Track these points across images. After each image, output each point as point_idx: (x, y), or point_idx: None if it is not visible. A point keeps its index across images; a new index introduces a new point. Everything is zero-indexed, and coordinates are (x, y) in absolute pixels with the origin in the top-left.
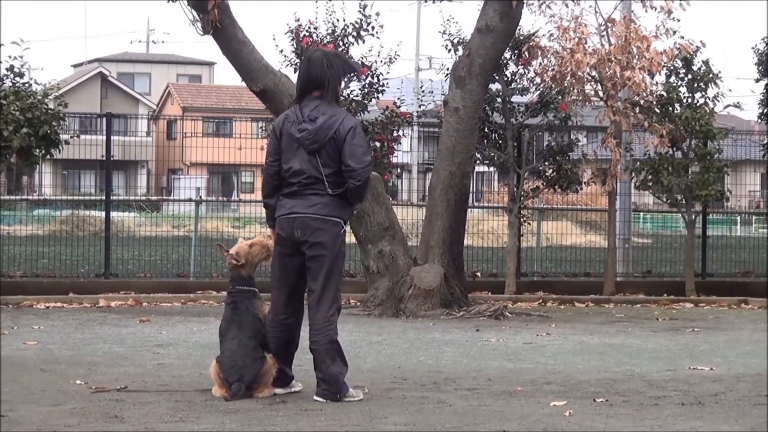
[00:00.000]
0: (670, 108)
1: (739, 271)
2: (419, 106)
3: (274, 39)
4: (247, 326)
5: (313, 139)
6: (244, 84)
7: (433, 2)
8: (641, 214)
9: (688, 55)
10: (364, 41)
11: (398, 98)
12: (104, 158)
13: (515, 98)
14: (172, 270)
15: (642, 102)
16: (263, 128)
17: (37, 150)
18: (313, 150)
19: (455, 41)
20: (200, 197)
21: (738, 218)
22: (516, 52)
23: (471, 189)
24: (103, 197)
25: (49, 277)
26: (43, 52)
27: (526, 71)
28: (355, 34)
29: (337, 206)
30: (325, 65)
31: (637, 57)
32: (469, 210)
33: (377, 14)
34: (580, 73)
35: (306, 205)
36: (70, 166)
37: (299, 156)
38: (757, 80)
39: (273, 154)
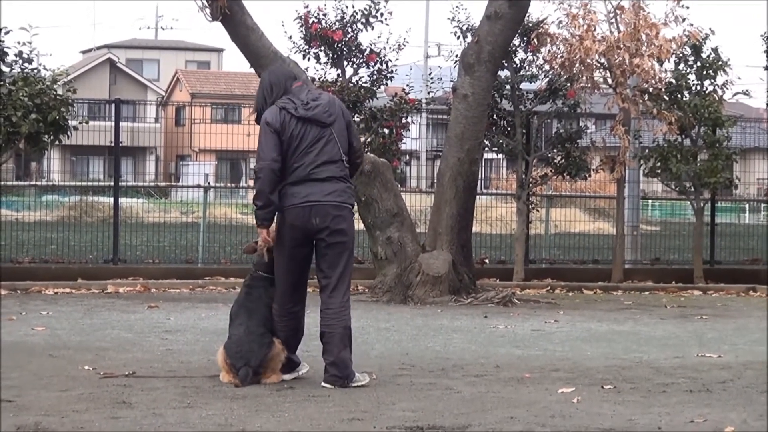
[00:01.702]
0: (679, 95)
1: (748, 258)
2: (428, 93)
3: (282, 25)
4: (257, 314)
5: (330, 111)
6: (252, 70)
7: None
8: (650, 201)
9: (697, 43)
10: (372, 28)
11: (407, 85)
12: (113, 144)
13: (524, 85)
14: (181, 256)
15: (651, 89)
16: None
17: (46, 136)
18: (331, 122)
19: (464, 28)
20: (208, 183)
21: (746, 206)
22: (525, 38)
23: (479, 176)
24: (112, 183)
25: (57, 263)
26: (51, 38)
27: (535, 58)
28: (363, 20)
29: (349, 193)
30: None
31: (646, 44)
32: (477, 197)
33: (386, 0)
34: (589, 60)
35: (323, 192)
36: (79, 152)
37: (310, 138)
38: (766, 68)
39: (276, 150)
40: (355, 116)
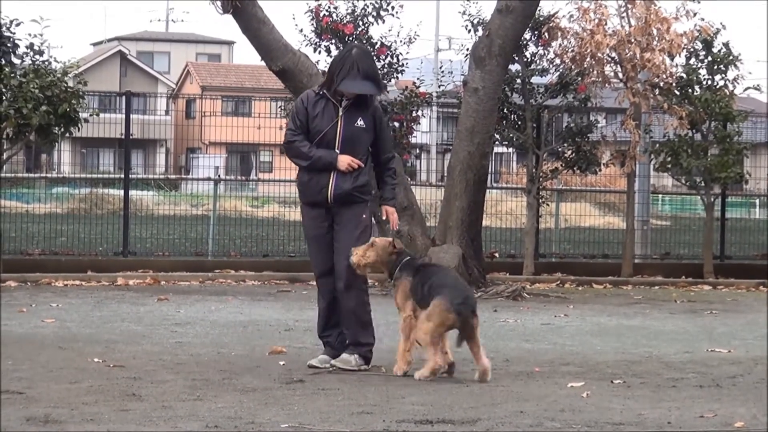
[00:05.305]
0: (690, 90)
1: (758, 253)
2: (438, 87)
3: (293, 18)
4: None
5: None
6: (263, 63)
7: None
8: (660, 196)
9: (708, 37)
10: (383, 21)
11: (418, 78)
12: (123, 137)
13: (535, 79)
14: (190, 249)
15: (662, 84)
16: (282, 107)
17: (57, 128)
18: None
19: (475, 22)
20: (219, 176)
21: (757, 201)
22: (536, 32)
23: (490, 170)
24: (122, 176)
25: (67, 255)
26: (62, 30)
27: (546, 52)
28: (374, 14)
29: None
30: None
31: (657, 39)
32: (487, 191)
33: None
34: (599, 55)
35: None
36: (89, 144)
37: None
38: None
39: None
40: None
